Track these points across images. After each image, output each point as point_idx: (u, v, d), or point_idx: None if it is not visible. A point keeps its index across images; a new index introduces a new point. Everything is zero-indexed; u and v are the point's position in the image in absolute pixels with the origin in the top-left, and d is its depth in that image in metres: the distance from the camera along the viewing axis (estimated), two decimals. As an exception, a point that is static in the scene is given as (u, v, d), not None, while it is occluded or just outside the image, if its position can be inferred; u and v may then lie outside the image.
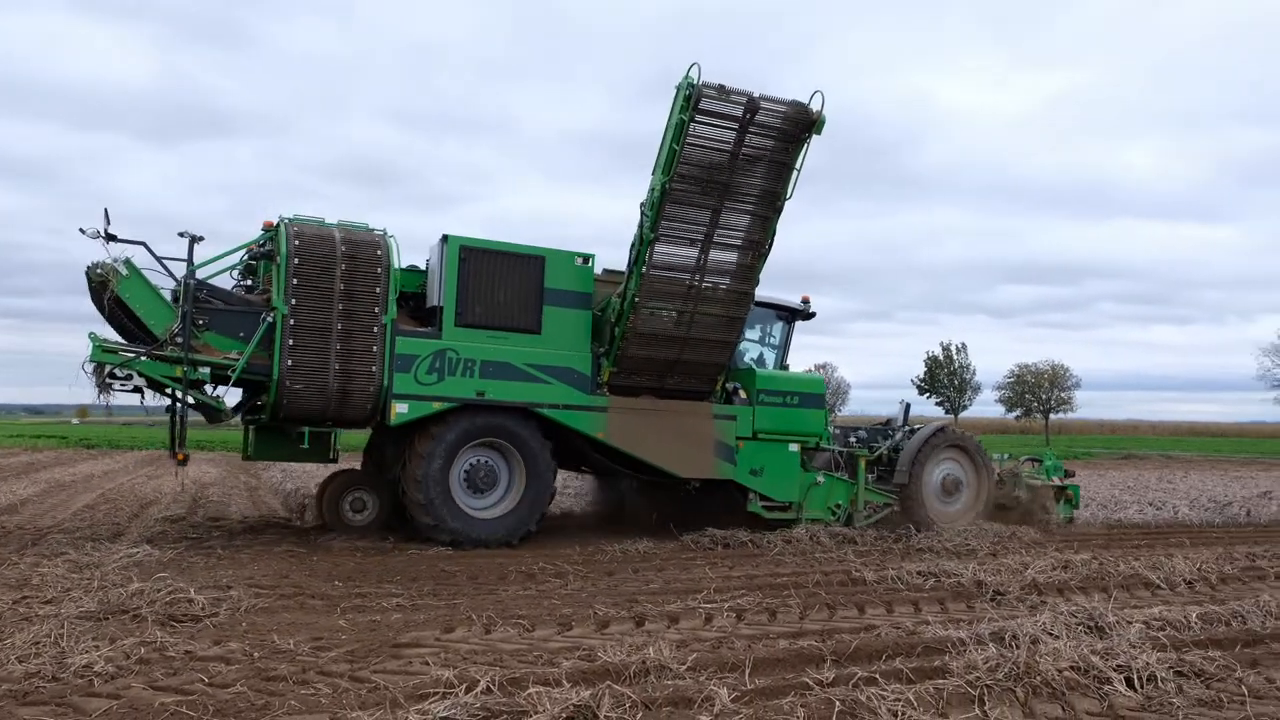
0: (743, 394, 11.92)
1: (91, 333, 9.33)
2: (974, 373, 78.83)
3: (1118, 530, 13.04)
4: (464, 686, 4.79)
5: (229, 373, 9.54)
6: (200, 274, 9.81)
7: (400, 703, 4.63)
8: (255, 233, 10.02)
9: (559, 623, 6.66)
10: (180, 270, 9.69)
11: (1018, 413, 79.08)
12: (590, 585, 8.26)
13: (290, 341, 9.52)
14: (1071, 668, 5.28)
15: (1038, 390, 77.97)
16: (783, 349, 13.16)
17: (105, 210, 9.63)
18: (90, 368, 9.30)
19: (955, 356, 78.56)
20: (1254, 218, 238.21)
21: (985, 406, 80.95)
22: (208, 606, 6.65)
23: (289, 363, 9.52)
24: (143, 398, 9.82)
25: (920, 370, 79.46)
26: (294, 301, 9.54)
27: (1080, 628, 6.29)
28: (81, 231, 9.48)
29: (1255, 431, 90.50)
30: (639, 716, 4.49)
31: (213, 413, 10.15)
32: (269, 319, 9.56)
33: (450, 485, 10.28)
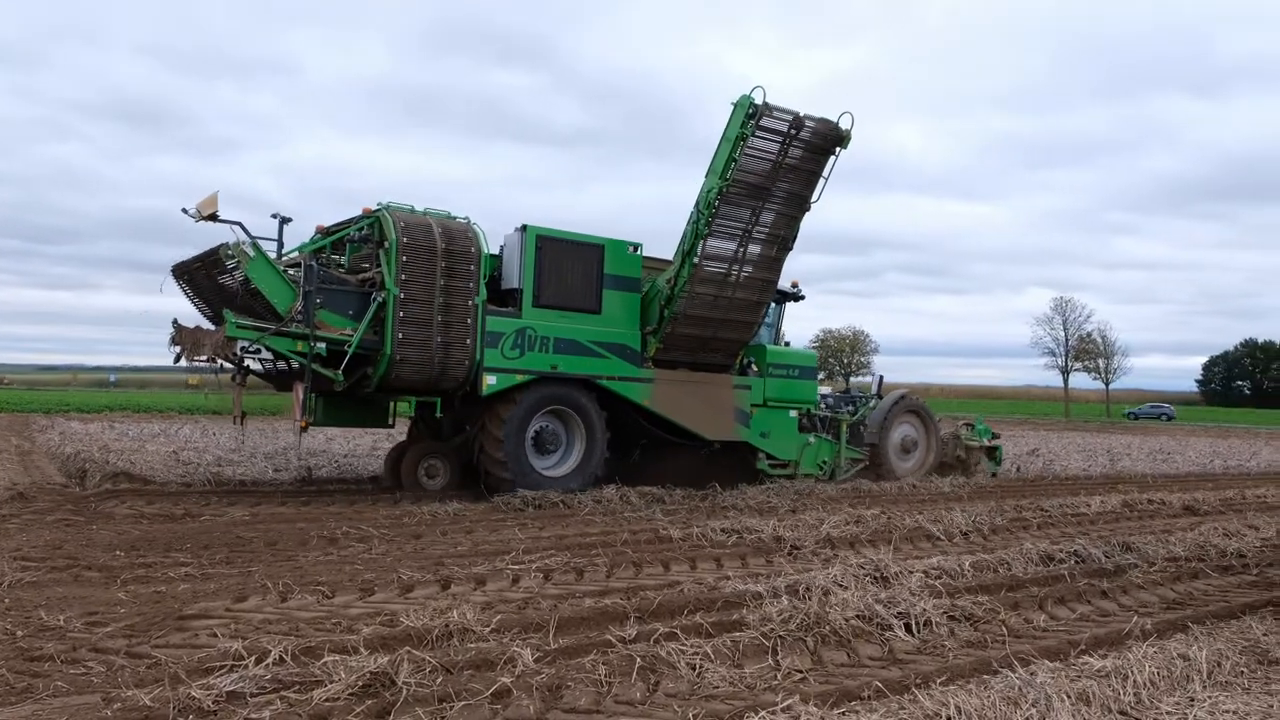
0: (755, 367, 13.67)
1: (226, 310, 10.12)
2: (785, 339, 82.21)
3: (909, 486, 13.95)
4: (254, 658, 4.58)
5: (345, 348, 10.28)
6: (287, 253, 10.84)
7: (182, 678, 4.37)
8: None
9: (361, 588, 6.47)
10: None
11: (822, 375, 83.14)
12: (396, 549, 8.07)
13: (401, 320, 10.40)
14: (858, 616, 5.61)
15: (840, 355, 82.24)
16: (776, 327, 14.97)
17: (216, 193, 10.06)
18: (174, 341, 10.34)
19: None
20: (1012, 197, 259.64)
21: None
22: (-38, 582, 6.06)
23: (400, 338, 10.43)
24: (220, 369, 10.69)
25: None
26: (404, 283, 10.44)
27: (867, 578, 6.69)
28: (184, 212, 10.09)
29: (1027, 394, 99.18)
30: (439, 681, 4.42)
31: (325, 381, 10.62)
32: (379, 299, 10.44)
33: (524, 446, 11.42)
